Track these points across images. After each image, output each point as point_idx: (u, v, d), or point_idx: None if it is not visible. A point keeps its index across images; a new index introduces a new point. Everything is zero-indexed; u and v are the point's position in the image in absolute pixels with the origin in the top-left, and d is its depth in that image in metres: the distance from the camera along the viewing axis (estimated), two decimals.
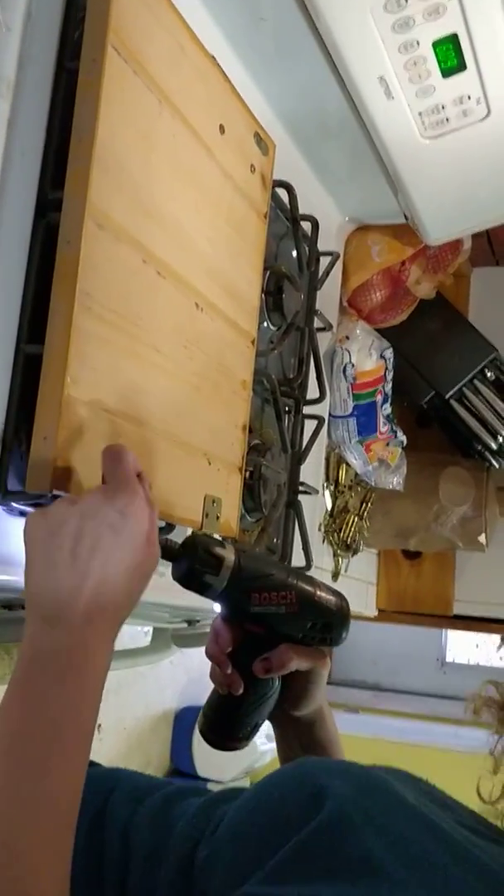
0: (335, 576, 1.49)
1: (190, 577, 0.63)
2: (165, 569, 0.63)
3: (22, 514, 0.67)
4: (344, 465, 1.43)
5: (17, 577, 0.65)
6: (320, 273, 1.16)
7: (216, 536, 0.71)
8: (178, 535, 0.68)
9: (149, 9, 0.72)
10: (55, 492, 0.61)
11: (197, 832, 0.60)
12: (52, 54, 0.70)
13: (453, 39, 0.92)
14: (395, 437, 1.42)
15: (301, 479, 1.10)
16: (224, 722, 0.68)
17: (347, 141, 1.11)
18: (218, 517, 0.83)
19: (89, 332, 0.65)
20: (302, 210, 1.07)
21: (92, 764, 0.51)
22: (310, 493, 1.13)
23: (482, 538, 1.55)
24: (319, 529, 1.40)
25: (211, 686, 0.68)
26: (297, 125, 1.11)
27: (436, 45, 0.93)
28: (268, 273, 0.98)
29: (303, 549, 1.09)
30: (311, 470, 1.18)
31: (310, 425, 1.13)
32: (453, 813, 0.53)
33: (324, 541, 1.44)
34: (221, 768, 2.72)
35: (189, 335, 0.79)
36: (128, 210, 0.69)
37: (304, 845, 0.45)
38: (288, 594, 0.64)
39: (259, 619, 0.65)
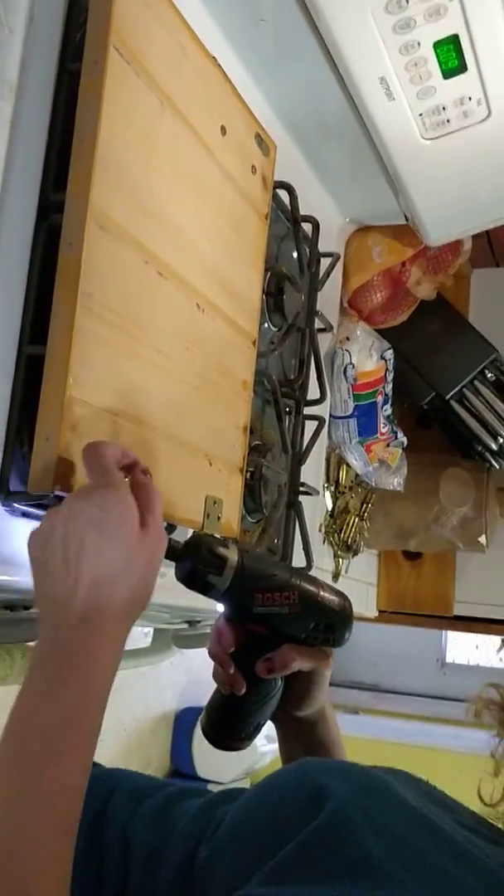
0: (335, 576, 1.49)
1: (193, 577, 0.63)
2: (167, 569, 0.63)
3: (24, 514, 0.67)
4: (344, 465, 1.43)
5: (18, 578, 0.65)
6: (321, 274, 1.16)
7: (218, 536, 0.71)
8: (179, 537, 0.68)
9: (150, 10, 0.72)
10: (57, 492, 0.61)
11: (197, 833, 0.60)
12: (54, 56, 0.70)
13: (454, 40, 0.92)
14: (396, 437, 1.42)
15: (301, 480, 1.10)
16: (226, 722, 0.68)
17: (348, 142, 1.11)
18: (219, 518, 0.83)
19: (91, 333, 0.65)
20: (302, 211, 1.07)
21: (93, 765, 0.51)
22: (310, 494, 1.13)
23: (482, 539, 1.55)
24: (320, 530, 1.40)
25: (213, 686, 0.68)
26: (297, 126, 1.11)
27: (437, 46, 0.93)
28: (268, 274, 0.98)
29: (303, 549, 1.09)
30: (312, 471, 1.18)
31: (310, 426, 1.13)
32: (453, 814, 0.53)
33: (324, 541, 1.44)
34: (221, 769, 2.72)
35: (190, 336, 0.79)
36: (129, 211, 0.69)
37: (305, 846, 0.45)
38: (291, 594, 0.64)
39: (262, 619, 0.65)
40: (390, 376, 1.37)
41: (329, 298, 1.26)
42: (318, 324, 1.16)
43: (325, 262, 1.17)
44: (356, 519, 1.50)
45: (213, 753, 2.70)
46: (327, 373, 1.24)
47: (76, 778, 0.48)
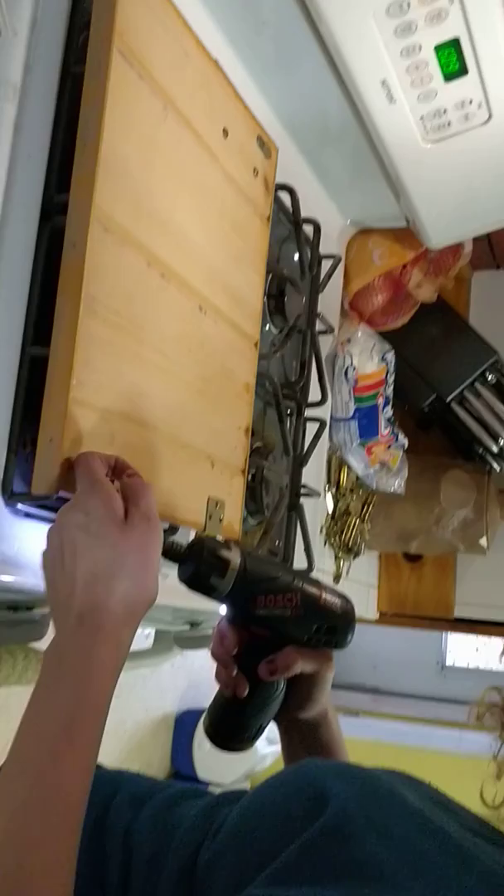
0: (336, 578, 1.49)
1: (196, 580, 0.63)
2: (170, 571, 0.63)
3: (28, 515, 0.67)
4: (345, 467, 1.43)
5: (21, 578, 0.65)
6: (322, 276, 1.16)
7: (221, 538, 0.71)
8: (182, 538, 0.68)
9: (153, 13, 0.72)
10: (60, 493, 0.61)
11: (199, 835, 0.60)
12: (58, 59, 0.71)
13: (455, 44, 0.93)
14: (397, 440, 1.42)
15: (303, 482, 1.10)
16: (229, 723, 0.68)
17: (349, 145, 1.11)
18: (221, 519, 0.83)
19: (94, 335, 0.65)
20: (304, 213, 1.07)
21: (96, 766, 0.51)
22: (311, 496, 1.13)
23: (483, 541, 1.55)
24: (321, 532, 1.40)
25: (214, 688, 0.68)
26: (299, 129, 1.11)
27: (438, 49, 0.93)
28: (270, 276, 0.98)
29: (305, 551, 1.09)
30: (313, 473, 1.18)
31: (311, 428, 1.13)
32: (456, 816, 0.53)
33: (325, 543, 1.44)
34: (222, 772, 2.71)
35: (192, 338, 0.79)
36: (132, 213, 0.70)
37: (307, 848, 0.45)
38: (293, 597, 0.64)
39: (264, 621, 0.65)
40: (391, 378, 1.37)
41: (330, 301, 1.26)
42: (319, 326, 1.17)
43: (326, 265, 1.17)
44: (357, 521, 1.50)
45: (214, 756, 2.70)
46: (328, 375, 1.24)
47: (76, 779, 0.48)
